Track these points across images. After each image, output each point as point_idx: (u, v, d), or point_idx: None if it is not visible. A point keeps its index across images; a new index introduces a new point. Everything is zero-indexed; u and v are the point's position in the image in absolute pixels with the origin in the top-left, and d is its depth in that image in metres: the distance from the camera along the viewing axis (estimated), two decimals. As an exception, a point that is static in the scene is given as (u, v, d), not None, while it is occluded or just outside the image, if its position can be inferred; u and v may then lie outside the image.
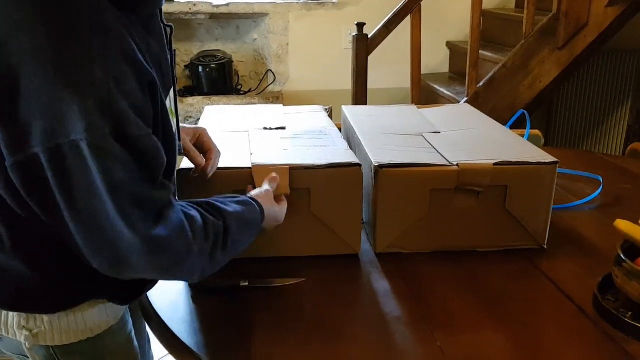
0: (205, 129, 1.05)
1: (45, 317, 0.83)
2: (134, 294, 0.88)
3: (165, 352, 0.89)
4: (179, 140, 0.93)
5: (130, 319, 0.95)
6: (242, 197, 0.91)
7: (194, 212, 0.79)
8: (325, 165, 1.03)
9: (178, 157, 0.88)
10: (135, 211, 0.69)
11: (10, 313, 0.83)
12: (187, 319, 0.91)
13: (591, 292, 0.95)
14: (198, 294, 0.98)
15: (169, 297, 0.97)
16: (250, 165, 1.02)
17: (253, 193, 0.95)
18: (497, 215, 1.09)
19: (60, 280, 0.81)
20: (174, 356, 0.89)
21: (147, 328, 1.04)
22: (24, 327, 0.83)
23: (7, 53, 0.64)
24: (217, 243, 0.80)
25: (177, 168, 1.01)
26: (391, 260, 1.09)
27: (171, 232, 0.73)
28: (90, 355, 0.87)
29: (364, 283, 1.03)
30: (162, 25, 0.84)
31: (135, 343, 0.95)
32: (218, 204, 0.84)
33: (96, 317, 0.86)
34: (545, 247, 1.12)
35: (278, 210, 0.97)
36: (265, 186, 0.98)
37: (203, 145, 1.03)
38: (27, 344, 0.85)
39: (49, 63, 0.63)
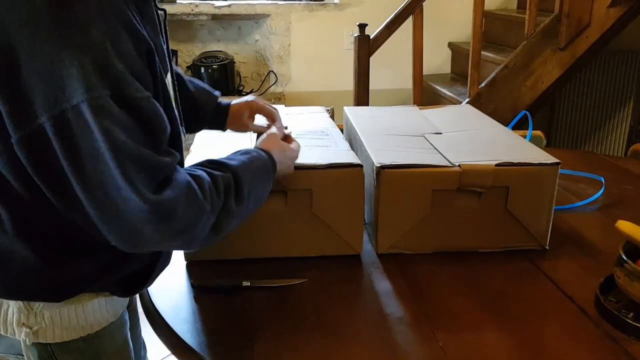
0: (253, 99, 1.10)
1: (46, 313, 0.82)
2: (136, 286, 0.88)
3: (168, 352, 0.89)
4: (182, 125, 0.92)
5: (128, 321, 0.95)
6: (246, 149, 0.91)
7: (199, 172, 0.79)
8: (327, 165, 1.03)
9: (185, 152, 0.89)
10: (140, 176, 0.68)
11: (10, 309, 0.83)
12: (189, 319, 0.91)
13: (593, 292, 0.96)
14: (200, 294, 0.98)
15: (171, 298, 0.97)
16: None
17: (258, 142, 0.95)
18: (498, 216, 1.09)
19: (63, 267, 0.80)
20: (177, 356, 0.89)
21: (149, 332, 1.04)
22: (23, 324, 0.83)
23: (4, 24, 0.65)
24: (229, 196, 0.79)
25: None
26: (393, 260, 1.09)
27: (179, 194, 0.72)
28: (87, 355, 0.87)
29: (366, 283, 1.03)
30: (155, 10, 0.84)
31: (131, 346, 0.95)
32: (223, 159, 0.85)
33: (96, 312, 0.86)
34: (547, 248, 1.12)
35: (288, 149, 0.96)
36: (270, 130, 0.98)
37: (263, 114, 1.10)
38: (27, 340, 0.84)
39: (45, 26, 0.64)
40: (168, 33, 0.89)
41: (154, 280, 0.91)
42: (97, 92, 0.65)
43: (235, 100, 1.10)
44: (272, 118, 1.10)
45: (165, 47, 0.87)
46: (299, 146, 1.01)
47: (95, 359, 0.88)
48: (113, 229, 0.69)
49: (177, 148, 0.81)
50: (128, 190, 0.67)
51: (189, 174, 0.77)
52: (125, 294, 0.89)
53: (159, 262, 0.89)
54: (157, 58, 0.75)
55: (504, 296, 0.98)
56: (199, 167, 0.81)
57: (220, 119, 1.12)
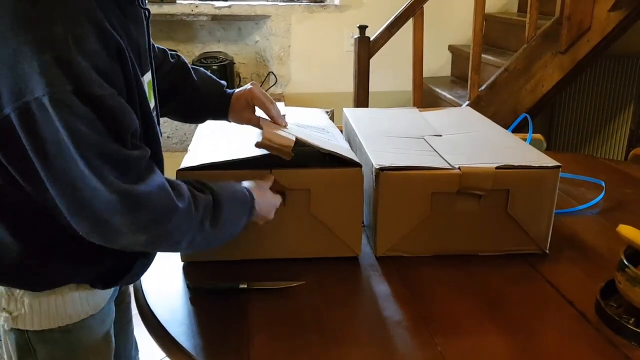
0: (252, 88, 1.08)
1: (26, 300, 0.83)
2: (115, 279, 0.88)
3: (163, 354, 0.88)
4: (158, 124, 0.93)
5: (111, 316, 0.95)
6: (233, 183, 0.91)
7: (179, 182, 0.80)
8: (327, 150, 1.01)
9: (185, 156, 0.91)
10: (106, 166, 0.70)
11: None
12: (184, 321, 0.90)
13: (593, 297, 0.95)
14: (196, 295, 0.97)
15: (167, 299, 0.96)
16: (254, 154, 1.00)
17: (244, 184, 0.94)
18: (498, 219, 1.09)
19: (42, 254, 0.81)
20: (171, 359, 0.88)
21: (144, 334, 1.03)
22: (4, 309, 0.84)
23: None
24: (205, 215, 0.81)
25: (178, 167, 1.01)
26: (392, 263, 1.08)
27: (150, 188, 0.73)
28: (64, 346, 0.87)
29: (364, 286, 1.02)
30: (140, 9, 0.86)
31: (113, 344, 0.94)
32: (206, 181, 0.86)
33: (77, 303, 0.86)
34: (547, 251, 1.11)
35: (271, 200, 0.96)
36: (258, 182, 0.97)
37: (257, 105, 1.08)
38: (5, 325, 0.85)
39: (10, 19, 0.67)
40: (150, 32, 0.90)
41: (137, 277, 0.91)
42: (58, 87, 0.66)
43: (238, 89, 1.11)
44: (267, 110, 1.07)
45: (147, 45, 0.88)
46: (278, 202, 0.99)
47: (70, 351, 0.88)
48: (81, 220, 0.71)
49: (152, 144, 0.81)
50: (93, 179, 0.69)
51: (167, 180, 0.78)
52: (104, 287, 0.88)
53: (140, 260, 0.90)
54: (130, 56, 0.76)
55: (504, 300, 0.97)
56: (182, 181, 0.82)
57: (222, 107, 1.12)
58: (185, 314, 0.92)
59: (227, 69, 2.98)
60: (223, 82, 1.14)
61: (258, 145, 0.97)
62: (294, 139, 0.99)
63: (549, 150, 2.00)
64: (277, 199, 0.99)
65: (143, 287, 0.99)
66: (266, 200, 0.95)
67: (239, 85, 3.12)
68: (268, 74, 3.16)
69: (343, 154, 1.03)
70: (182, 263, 1.06)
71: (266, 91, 3.40)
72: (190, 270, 1.04)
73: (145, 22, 0.87)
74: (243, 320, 0.90)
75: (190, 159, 1.04)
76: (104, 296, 0.91)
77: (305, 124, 1.21)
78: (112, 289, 0.94)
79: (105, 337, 0.92)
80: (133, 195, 0.71)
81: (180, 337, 0.86)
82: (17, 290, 0.84)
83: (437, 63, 3.28)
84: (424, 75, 2.60)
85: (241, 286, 0.97)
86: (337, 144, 1.11)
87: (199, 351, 0.83)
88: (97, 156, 0.69)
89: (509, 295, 0.98)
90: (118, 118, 0.71)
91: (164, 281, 1.01)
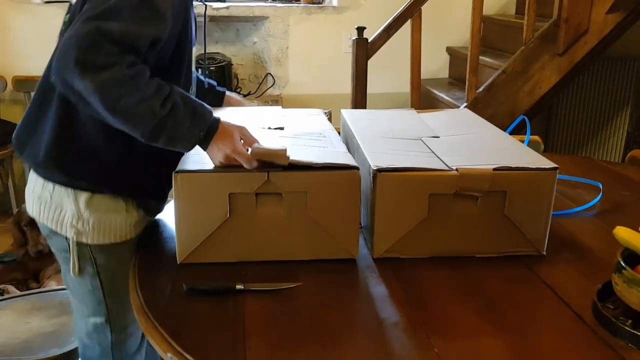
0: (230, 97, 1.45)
1: (91, 220, 1.11)
2: (152, 194, 1.17)
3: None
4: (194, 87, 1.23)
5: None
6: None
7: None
8: (323, 164, 1.02)
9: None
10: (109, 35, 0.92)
11: (68, 214, 1.11)
12: (180, 322, 0.90)
13: (590, 299, 0.95)
14: (192, 296, 0.96)
15: (163, 300, 0.96)
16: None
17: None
18: (496, 221, 1.08)
19: (129, 162, 1.11)
20: (168, 360, 0.88)
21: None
22: (74, 226, 1.12)
23: None
24: (158, 94, 0.96)
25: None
26: (389, 265, 1.08)
27: (111, 46, 0.92)
28: (114, 257, 1.16)
29: (361, 288, 1.02)
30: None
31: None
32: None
33: (125, 226, 1.15)
34: (544, 253, 1.11)
35: (247, 133, 1.04)
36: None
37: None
38: (74, 237, 1.12)
39: None
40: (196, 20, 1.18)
41: (157, 212, 1.22)
42: None
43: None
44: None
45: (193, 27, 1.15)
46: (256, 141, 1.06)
47: (119, 259, 1.15)
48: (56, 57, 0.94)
49: (172, 78, 1.04)
50: (81, 21, 0.92)
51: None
52: (146, 212, 1.18)
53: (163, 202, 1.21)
54: (190, 19, 1.09)
55: (501, 302, 0.97)
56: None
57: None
58: (181, 315, 0.92)
59: (225, 70, 2.98)
60: (219, 87, 1.46)
61: (253, 155, 0.98)
62: (286, 147, 1.01)
63: (546, 152, 2.00)
64: (252, 138, 1.06)
65: (139, 286, 0.99)
66: (239, 130, 1.04)
67: (237, 87, 3.13)
68: (266, 75, 3.16)
69: (338, 161, 1.04)
70: (179, 264, 1.06)
71: (264, 92, 3.40)
72: (187, 271, 1.04)
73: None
74: (239, 321, 0.90)
75: (190, 163, 1.05)
76: (142, 226, 1.18)
77: (302, 131, 1.22)
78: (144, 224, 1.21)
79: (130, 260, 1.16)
80: (92, 35, 0.90)
81: (175, 338, 0.86)
82: (86, 212, 1.10)
83: (435, 65, 3.28)
84: (422, 77, 2.60)
85: (238, 287, 0.97)
86: (333, 150, 1.11)
87: (195, 352, 0.83)
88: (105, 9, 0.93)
89: (506, 297, 0.98)
90: (151, 18, 0.96)
91: (160, 282, 1.01)
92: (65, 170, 1.09)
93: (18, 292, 1.93)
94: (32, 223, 2.32)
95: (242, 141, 1.04)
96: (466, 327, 0.90)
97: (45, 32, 2.90)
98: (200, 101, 1.03)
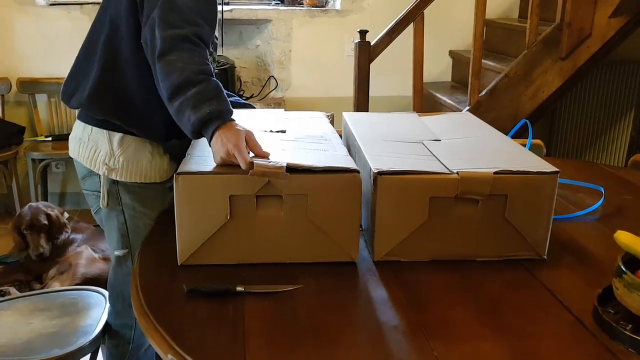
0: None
1: (121, 159, 1.27)
2: (175, 135, 1.25)
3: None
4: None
5: (166, 195, 1.34)
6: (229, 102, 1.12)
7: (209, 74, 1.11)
8: (323, 168, 1.02)
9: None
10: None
11: (102, 153, 1.27)
12: (180, 324, 0.90)
13: (591, 303, 0.94)
14: (193, 298, 0.97)
15: (163, 301, 0.96)
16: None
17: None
18: (496, 225, 1.08)
19: (155, 106, 1.22)
20: (167, 362, 0.88)
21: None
22: (106, 164, 1.28)
23: None
24: (200, 66, 1.08)
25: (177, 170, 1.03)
26: (389, 268, 1.08)
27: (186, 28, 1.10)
28: (139, 196, 1.32)
29: (361, 291, 1.02)
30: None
31: (165, 206, 1.34)
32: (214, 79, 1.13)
33: (151, 169, 1.30)
34: (545, 257, 1.11)
35: (242, 132, 1.05)
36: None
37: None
38: (106, 173, 1.28)
39: None
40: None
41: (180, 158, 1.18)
42: None
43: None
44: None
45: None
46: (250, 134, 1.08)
47: (143, 199, 1.32)
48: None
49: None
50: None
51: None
52: (171, 157, 1.33)
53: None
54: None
55: (501, 306, 0.97)
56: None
57: None
58: (181, 316, 0.92)
59: (228, 73, 2.98)
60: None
61: (252, 174, 0.98)
62: (285, 164, 1.00)
63: (548, 156, 2.00)
64: (256, 143, 1.08)
65: (140, 288, 0.99)
66: (246, 134, 1.07)
67: (240, 90, 3.14)
68: (269, 78, 3.17)
69: (339, 165, 1.04)
70: (179, 265, 1.06)
71: (267, 95, 3.41)
72: (187, 273, 1.04)
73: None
74: (239, 323, 0.90)
75: (192, 164, 1.05)
76: (166, 172, 1.33)
77: (303, 134, 1.22)
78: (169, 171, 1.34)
79: (162, 200, 1.35)
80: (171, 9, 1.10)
81: (176, 339, 0.86)
82: (118, 150, 1.27)
83: (438, 68, 3.28)
84: (425, 80, 2.60)
85: (238, 289, 0.97)
86: (334, 153, 1.11)
87: (195, 354, 0.83)
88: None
89: (506, 301, 0.98)
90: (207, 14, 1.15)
91: (161, 283, 1.01)
92: (103, 110, 1.25)
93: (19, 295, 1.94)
94: (31, 227, 2.33)
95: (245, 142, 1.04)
96: (466, 330, 0.90)
97: (49, 35, 2.92)
98: (229, 101, 1.12)
